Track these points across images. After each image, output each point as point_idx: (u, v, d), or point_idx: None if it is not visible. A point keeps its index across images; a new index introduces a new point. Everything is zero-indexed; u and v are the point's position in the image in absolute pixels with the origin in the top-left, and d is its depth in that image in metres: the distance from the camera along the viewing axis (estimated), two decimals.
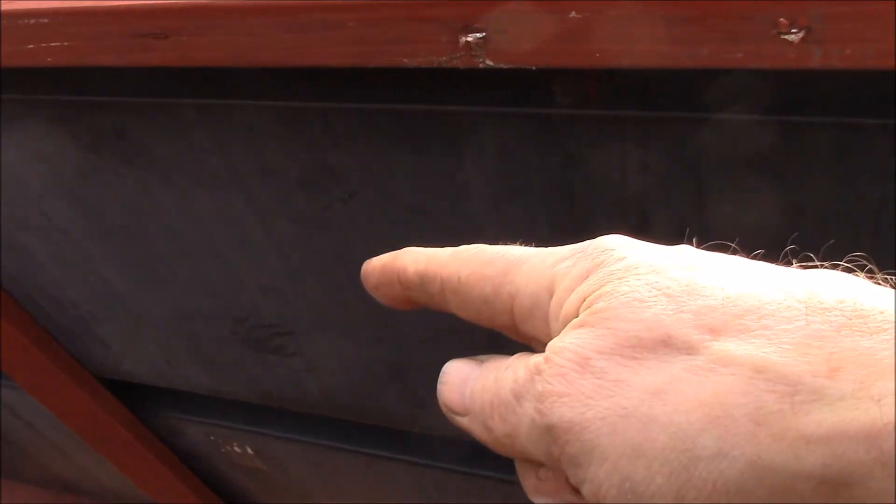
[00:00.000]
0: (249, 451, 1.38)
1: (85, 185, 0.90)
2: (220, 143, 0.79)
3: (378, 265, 0.38)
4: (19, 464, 1.94)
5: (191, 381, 1.23)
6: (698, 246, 0.30)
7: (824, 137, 0.59)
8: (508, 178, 0.72)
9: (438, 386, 0.34)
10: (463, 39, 0.57)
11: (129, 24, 0.65)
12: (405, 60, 0.60)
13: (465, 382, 0.32)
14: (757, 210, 0.66)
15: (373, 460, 1.25)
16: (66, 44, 0.69)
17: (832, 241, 0.64)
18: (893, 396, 0.21)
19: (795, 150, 0.61)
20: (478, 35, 0.56)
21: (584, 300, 0.28)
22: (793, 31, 0.50)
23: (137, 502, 1.89)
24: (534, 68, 0.57)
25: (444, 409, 0.34)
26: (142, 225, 0.94)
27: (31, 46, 0.70)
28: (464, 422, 0.32)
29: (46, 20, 0.68)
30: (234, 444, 1.38)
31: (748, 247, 0.31)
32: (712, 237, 0.32)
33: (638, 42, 0.53)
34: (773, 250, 0.32)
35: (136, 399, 1.41)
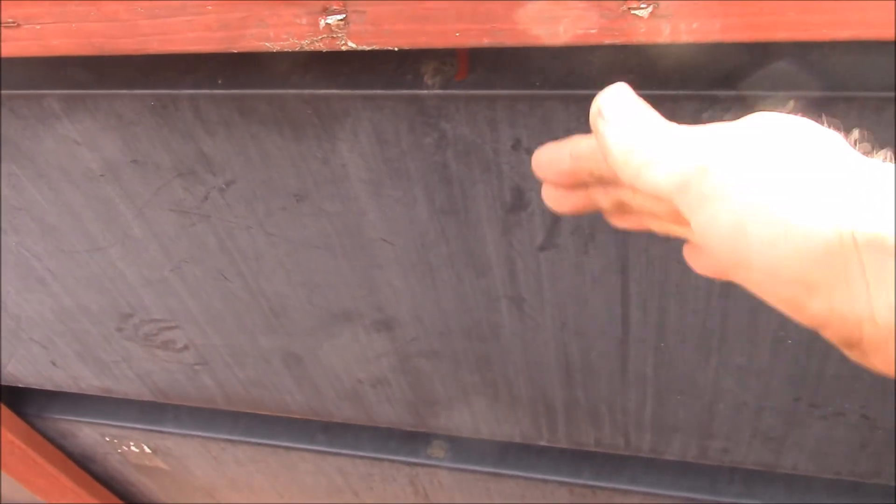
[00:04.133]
0: (147, 449, 1.35)
1: None
2: (90, 135, 0.76)
3: (547, 145, 0.50)
4: None
5: (79, 381, 1.20)
6: None
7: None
8: (385, 160, 0.71)
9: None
10: (323, 22, 0.56)
11: None
12: (267, 45, 0.59)
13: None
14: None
15: (274, 451, 1.24)
16: None
17: None
18: None
19: None
20: (337, 17, 0.56)
21: None
22: (642, 6, 0.51)
23: None
24: (396, 50, 0.57)
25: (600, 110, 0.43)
26: (13, 222, 0.90)
27: None
28: (607, 130, 0.42)
29: None
30: (131, 443, 1.35)
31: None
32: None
33: (495, 21, 0.54)
34: None
35: (24, 403, 1.36)
